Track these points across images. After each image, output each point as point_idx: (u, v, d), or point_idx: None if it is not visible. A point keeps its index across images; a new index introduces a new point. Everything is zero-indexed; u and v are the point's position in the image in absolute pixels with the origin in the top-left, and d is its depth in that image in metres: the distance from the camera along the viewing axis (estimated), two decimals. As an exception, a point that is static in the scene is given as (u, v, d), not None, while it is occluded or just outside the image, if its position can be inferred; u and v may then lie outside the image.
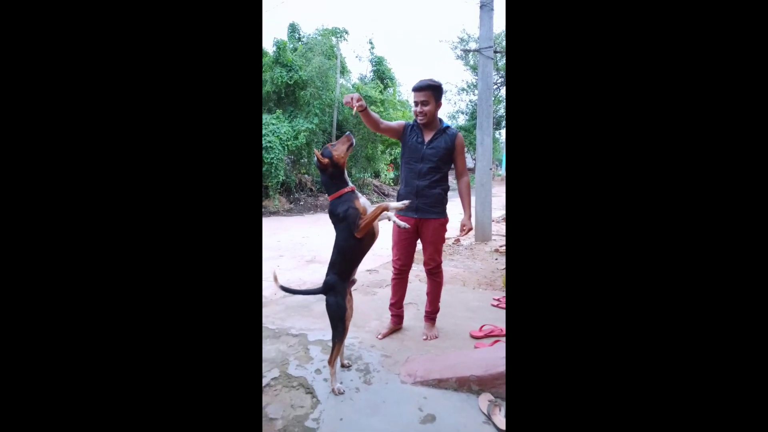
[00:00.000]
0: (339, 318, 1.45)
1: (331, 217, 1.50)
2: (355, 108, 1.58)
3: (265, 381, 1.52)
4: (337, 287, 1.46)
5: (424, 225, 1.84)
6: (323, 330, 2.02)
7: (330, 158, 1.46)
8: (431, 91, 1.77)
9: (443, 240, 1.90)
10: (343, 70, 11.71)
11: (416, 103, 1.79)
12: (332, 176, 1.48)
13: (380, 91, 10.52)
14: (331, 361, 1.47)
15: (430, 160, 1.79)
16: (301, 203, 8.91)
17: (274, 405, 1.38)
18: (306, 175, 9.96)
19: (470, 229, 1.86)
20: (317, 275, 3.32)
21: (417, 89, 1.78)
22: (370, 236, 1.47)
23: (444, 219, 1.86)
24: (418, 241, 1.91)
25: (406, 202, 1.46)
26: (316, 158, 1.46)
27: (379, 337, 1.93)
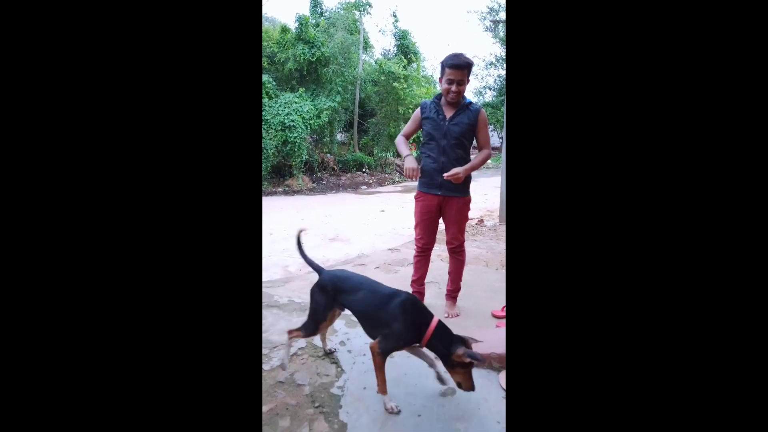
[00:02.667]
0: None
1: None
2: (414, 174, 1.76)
3: (292, 350, 1.60)
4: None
5: (447, 204, 1.83)
6: (347, 305, 2.09)
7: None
8: (468, 70, 1.72)
9: (466, 219, 1.90)
10: (366, 46, 11.42)
11: (451, 81, 1.70)
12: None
13: (404, 67, 10.24)
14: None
15: (452, 136, 1.75)
16: (324, 182, 9.01)
17: (301, 372, 1.46)
18: (328, 155, 10.00)
19: (456, 174, 1.71)
20: (340, 253, 3.40)
21: (456, 66, 1.68)
22: None
23: (467, 198, 1.85)
24: (440, 219, 1.91)
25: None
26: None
27: None
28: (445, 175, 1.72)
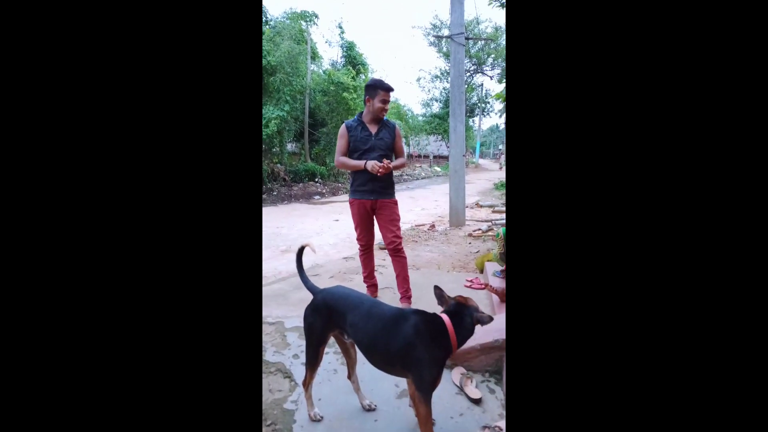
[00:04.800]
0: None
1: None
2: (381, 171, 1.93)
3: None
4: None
5: (380, 206, 2.09)
6: (300, 317, 2.03)
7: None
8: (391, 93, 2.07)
9: (399, 218, 2.16)
10: (314, 56, 11.38)
11: (385, 101, 2.04)
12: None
13: (352, 77, 10.35)
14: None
15: (379, 148, 2.05)
16: (275, 193, 8.71)
17: (252, 391, 1.39)
18: (279, 165, 9.72)
19: (386, 165, 1.96)
20: (293, 265, 3.29)
21: (389, 90, 2.04)
22: None
23: (395, 199, 2.15)
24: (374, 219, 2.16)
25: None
26: (477, 315, 1.08)
27: None
28: (379, 164, 1.98)
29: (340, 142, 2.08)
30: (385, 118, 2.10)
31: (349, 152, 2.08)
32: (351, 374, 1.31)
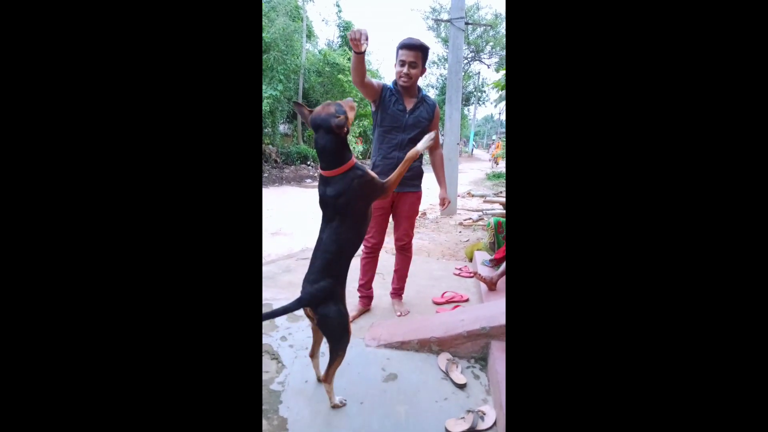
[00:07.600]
0: (344, 328, 1.18)
1: (333, 200, 1.18)
2: (362, 47, 1.33)
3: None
4: (336, 293, 1.16)
5: (401, 199, 1.77)
6: (288, 299, 2.02)
7: (345, 117, 1.11)
8: (421, 53, 1.62)
9: (417, 212, 1.86)
10: (310, 34, 11.05)
11: (403, 63, 1.60)
12: (340, 144, 1.13)
13: (348, 59, 10.10)
14: (328, 378, 1.20)
15: (412, 130, 1.66)
16: (266, 175, 8.57)
17: (238, 372, 1.39)
18: (270, 146, 9.53)
19: (449, 202, 1.85)
20: (283, 248, 3.27)
21: (408, 47, 1.59)
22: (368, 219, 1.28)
23: (420, 192, 1.81)
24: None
25: (431, 135, 1.28)
26: (334, 119, 1.08)
27: (350, 320, 1.95)
28: (441, 209, 1.84)
29: (371, 79, 1.63)
30: (423, 93, 1.71)
31: (379, 127, 1.71)
32: (314, 353, 1.34)
